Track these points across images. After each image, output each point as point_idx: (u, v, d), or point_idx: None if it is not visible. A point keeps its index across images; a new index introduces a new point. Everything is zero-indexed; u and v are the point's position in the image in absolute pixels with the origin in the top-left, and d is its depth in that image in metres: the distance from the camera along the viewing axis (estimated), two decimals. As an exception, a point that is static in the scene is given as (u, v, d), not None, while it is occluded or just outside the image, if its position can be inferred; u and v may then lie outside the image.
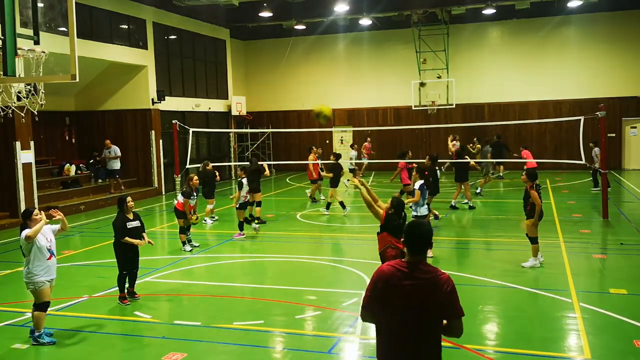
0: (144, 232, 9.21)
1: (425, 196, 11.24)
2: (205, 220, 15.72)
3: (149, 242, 9.09)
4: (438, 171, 13.59)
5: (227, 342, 7.28)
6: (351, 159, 24.25)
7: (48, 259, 7.35)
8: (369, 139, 26.79)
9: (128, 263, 8.90)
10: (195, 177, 12.81)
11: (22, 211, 7.77)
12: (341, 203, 16.60)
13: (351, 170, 22.34)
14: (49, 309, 7.46)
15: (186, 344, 7.22)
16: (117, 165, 20.21)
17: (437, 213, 14.52)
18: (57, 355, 7.10)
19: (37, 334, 7.35)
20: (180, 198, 12.55)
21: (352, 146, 26.00)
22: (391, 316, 3.89)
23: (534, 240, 10.34)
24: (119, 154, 20.19)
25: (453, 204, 16.71)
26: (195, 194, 12.63)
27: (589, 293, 8.85)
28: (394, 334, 3.91)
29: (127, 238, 8.74)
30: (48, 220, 7.55)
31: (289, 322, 7.93)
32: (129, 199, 9.06)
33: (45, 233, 7.45)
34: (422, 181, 11.27)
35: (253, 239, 14.04)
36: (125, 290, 8.93)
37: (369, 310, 3.97)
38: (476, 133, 24.11)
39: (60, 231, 7.69)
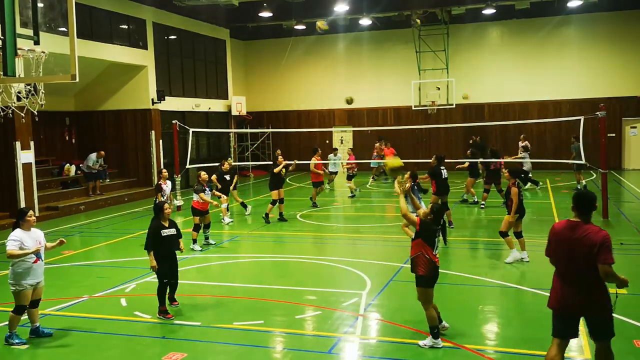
0: (181, 238, 8.65)
1: (418, 196, 11.44)
2: (223, 220, 15.68)
3: (181, 249, 8.56)
4: (444, 170, 13.50)
5: (227, 342, 7.28)
6: (341, 164, 22.96)
7: (34, 262, 7.28)
8: (382, 139, 24.96)
9: (164, 272, 8.29)
10: (204, 173, 13.04)
11: (18, 209, 7.72)
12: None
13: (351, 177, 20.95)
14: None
15: (186, 344, 7.23)
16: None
17: (451, 220, 14.37)
18: (57, 356, 7.10)
19: (7, 334, 7.36)
20: (195, 197, 12.71)
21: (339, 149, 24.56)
22: (560, 261, 5.39)
23: (504, 234, 10.76)
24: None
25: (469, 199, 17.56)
26: (208, 189, 12.89)
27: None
28: (563, 274, 5.37)
29: (151, 255, 8.16)
30: (45, 247, 7.47)
31: (289, 322, 7.92)
32: (166, 205, 8.48)
33: (36, 237, 7.39)
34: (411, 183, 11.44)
35: (253, 239, 14.05)
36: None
37: (548, 255, 5.57)
38: (476, 133, 24.14)
39: (45, 249, 7.48)
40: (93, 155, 20.12)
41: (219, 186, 15.28)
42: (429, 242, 6.80)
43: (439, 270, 6.97)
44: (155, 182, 22.25)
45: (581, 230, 5.25)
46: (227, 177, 15.88)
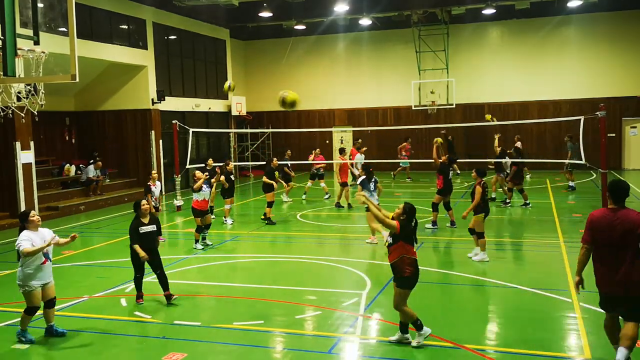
0: (160, 235, 9.20)
1: (369, 189, 12.16)
2: (225, 221, 15.68)
3: (161, 240, 9.04)
4: (451, 171, 14.00)
5: (227, 342, 7.28)
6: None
7: (42, 263, 7.30)
8: (409, 139, 24.71)
9: (141, 266, 8.79)
10: (198, 172, 13.01)
11: (19, 213, 7.72)
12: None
13: (317, 177, 20.26)
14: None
15: (186, 344, 7.22)
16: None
17: (453, 220, 14.40)
18: (56, 356, 7.10)
19: (18, 331, 7.44)
20: (195, 196, 12.72)
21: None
22: (603, 245, 5.84)
23: (481, 235, 10.84)
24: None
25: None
26: (205, 186, 12.75)
27: (589, 293, 8.84)
28: (605, 258, 5.88)
29: (137, 247, 8.59)
30: (58, 242, 7.47)
31: (289, 322, 7.92)
32: (143, 202, 8.89)
33: (45, 237, 7.39)
34: (364, 176, 12.48)
35: (253, 239, 14.05)
36: (130, 291, 8.90)
37: (586, 242, 5.96)
38: (476, 133, 24.13)
39: (56, 244, 7.49)
40: (91, 167, 20.11)
41: (226, 185, 15.32)
42: (409, 242, 6.84)
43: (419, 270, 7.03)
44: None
45: (622, 214, 5.79)
46: (232, 177, 15.90)
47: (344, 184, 17.95)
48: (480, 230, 10.89)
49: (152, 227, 8.84)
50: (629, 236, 5.67)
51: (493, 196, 17.99)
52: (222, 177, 15.22)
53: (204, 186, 12.74)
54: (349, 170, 18.98)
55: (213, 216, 15.80)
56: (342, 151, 18.91)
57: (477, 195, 10.84)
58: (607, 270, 5.86)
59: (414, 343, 6.86)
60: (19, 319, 7.54)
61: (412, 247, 6.87)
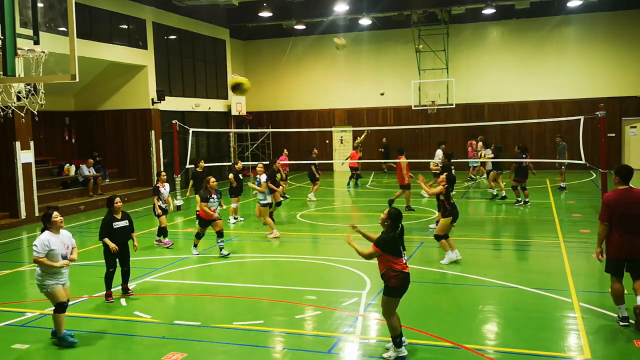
0: (133, 232, 9.34)
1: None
2: (229, 220, 15.66)
3: (134, 246, 9.23)
4: (453, 169, 14.44)
5: (227, 342, 7.27)
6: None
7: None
8: (480, 137, 22.68)
9: (113, 261, 9.01)
10: (212, 179, 11.92)
11: (42, 214, 7.47)
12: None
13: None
14: (49, 309, 7.48)
15: (186, 344, 7.22)
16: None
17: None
18: (56, 356, 7.10)
19: (58, 335, 7.30)
20: (206, 205, 11.70)
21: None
22: (620, 220, 7.13)
23: (438, 238, 10.87)
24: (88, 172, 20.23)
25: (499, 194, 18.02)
26: (215, 196, 11.80)
27: (589, 293, 8.85)
28: (619, 230, 7.14)
29: (106, 239, 8.88)
30: (73, 260, 7.44)
31: (289, 322, 7.92)
32: (117, 199, 9.21)
33: (64, 240, 7.34)
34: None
35: (253, 239, 14.04)
36: (119, 287, 8.92)
37: (603, 219, 7.24)
38: (476, 133, 24.10)
39: (71, 260, 7.42)
40: (83, 167, 20.08)
41: (235, 184, 15.29)
42: (394, 253, 6.51)
43: (410, 280, 6.69)
44: (156, 182, 22.36)
45: (633, 192, 7.21)
46: (241, 176, 15.84)
47: (405, 187, 16.63)
48: (442, 234, 10.85)
49: (125, 223, 9.15)
50: (638, 212, 7.10)
51: (504, 195, 18.04)
52: (231, 176, 15.19)
53: (215, 195, 11.77)
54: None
55: (237, 219, 15.81)
56: (401, 151, 17.13)
57: (429, 189, 11.48)
58: (627, 239, 7.12)
59: (384, 355, 6.59)
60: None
61: (399, 258, 6.54)
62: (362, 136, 23.96)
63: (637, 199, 7.15)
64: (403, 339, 6.68)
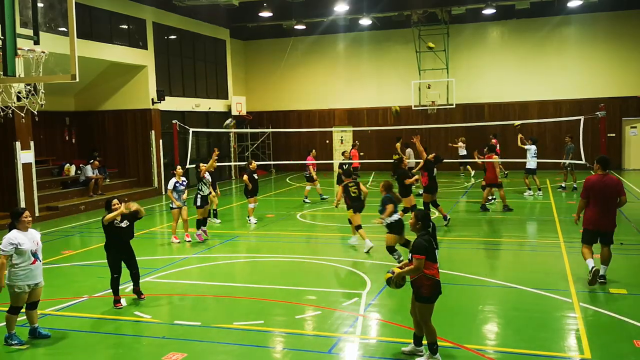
0: (133, 237, 9.08)
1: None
2: (249, 220, 15.55)
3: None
4: (435, 169, 14.43)
5: (227, 342, 7.27)
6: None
7: (32, 263, 7.19)
8: (497, 135, 22.31)
9: (118, 266, 8.73)
10: (202, 165, 13.64)
11: (12, 210, 7.51)
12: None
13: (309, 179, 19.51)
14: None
15: (186, 344, 7.22)
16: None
17: (446, 214, 14.44)
18: (56, 356, 7.09)
19: (6, 334, 7.29)
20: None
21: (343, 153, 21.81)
22: (596, 198, 8.88)
23: (358, 227, 12.13)
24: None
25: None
26: (182, 185, 13.12)
27: (589, 293, 8.85)
28: (597, 206, 8.87)
29: (109, 215, 8.53)
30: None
31: (289, 322, 7.92)
32: (114, 201, 8.88)
33: (34, 237, 7.30)
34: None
35: (253, 239, 14.04)
36: (130, 291, 8.89)
37: (583, 196, 9.05)
38: (476, 133, 24.13)
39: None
40: (88, 167, 20.07)
41: (250, 186, 15.24)
42: (431, 259, 6.29)
43: (441, 285, 6.51)
44: (156, 182, 22.37)
45: (608, 178, 8.92)
46: (256, 176, 15.57)
47: (498, 185, 16.36)
48: (355, 224, 12.14)
49: (126, 223, 8.91)
50: (613, 192, 8.83)
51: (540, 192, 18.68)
52: (245, 177, 15.17)
53: (180, 184, 13.08)
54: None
55: (218, 220, 15.81)
56: (493, 149, 16.75)
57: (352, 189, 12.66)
58: (599, 214, 8.87)
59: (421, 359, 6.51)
60: (4, 323, 7.37)
61: (435, 263, 6.32)
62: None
63: (610, 183, 8.87)
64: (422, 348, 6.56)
